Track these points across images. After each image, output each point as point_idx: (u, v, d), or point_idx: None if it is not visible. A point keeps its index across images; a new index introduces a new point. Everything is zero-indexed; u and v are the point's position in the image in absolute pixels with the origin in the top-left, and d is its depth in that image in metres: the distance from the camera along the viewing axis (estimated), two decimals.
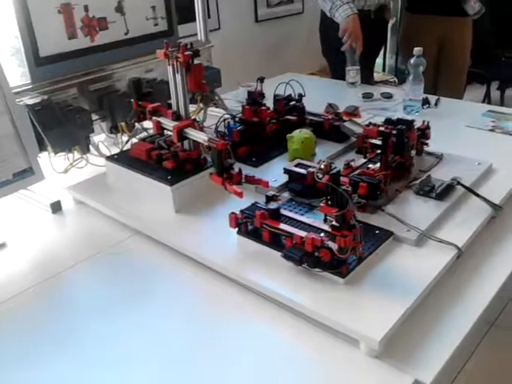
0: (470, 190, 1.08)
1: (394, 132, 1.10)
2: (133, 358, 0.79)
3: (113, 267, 1.00)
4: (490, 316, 0.86)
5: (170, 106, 1.16)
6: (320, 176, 0.83)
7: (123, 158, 1.20)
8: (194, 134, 1.06)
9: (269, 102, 1.40)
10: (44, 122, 1.17)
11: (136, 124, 1.30)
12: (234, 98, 1.84)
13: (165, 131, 1.17)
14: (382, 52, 3.54)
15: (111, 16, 1.43)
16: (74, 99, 1.34)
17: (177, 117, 1.14)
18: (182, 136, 1.08)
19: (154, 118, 1.14)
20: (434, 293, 0.86)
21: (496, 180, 1.17)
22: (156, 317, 0.87)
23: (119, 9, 1.44)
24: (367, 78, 2.18)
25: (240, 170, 0.99)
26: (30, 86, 1.26)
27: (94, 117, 1.37)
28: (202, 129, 1.09)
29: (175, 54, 1.08)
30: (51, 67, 1.31)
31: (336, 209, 0.82)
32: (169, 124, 1.11)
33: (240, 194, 0.95)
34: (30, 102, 1.17)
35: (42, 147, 1.21)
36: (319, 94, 1.74)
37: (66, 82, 1.32)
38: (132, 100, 1.20)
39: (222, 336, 0.82)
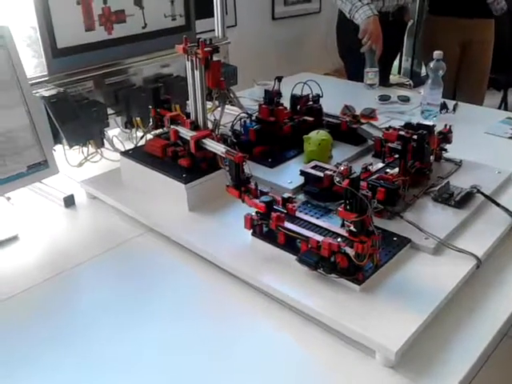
0: (490, 198, 1.06)
1: (415, 137, 1.08)
2: (140, 354, 0.78)
3: (124, 264, 0.99)
4: (506, 327, 0.84)
5: (188, 116, 1.16)
6: (339, 180, 0.81)
7: (138, 154, 1.19)
8: (212, 146, 1.06)
9: (285, 102, 1.38)
10: (60, 114, 1.16)
11: (151, 120, 1.29)
12: (248, 97, 1.83)
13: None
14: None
15: (130, 9, 1.41)
16: (89, 92, 1.33)
17: (195, 127, 1.13)
18: (199, 147, 1.08)
19: (172, 126, 1.13)
20: (452, 303, 0.84)
21: None
22: (165, 315, 0.86)
23: (138, 2, 1.43)
24: (383, 80, 2.16)
25: (256, 185, 0.97)
26: (46, 78, 1.26)
27: (110, 111, 1.36)
28: (219, 140, 1.08)
29: (194, 50, 1.07)
30: (68, 59, 1.30)
31: (355, 214, 0.81)
32: (187, 134, 1.11)
33: (262, 208, 0.93)
34: (46, 93, 1.17)
35: (56, 140, 1.20)
36: (335, 95, 1.72)
37: (82, 74, 1.31)
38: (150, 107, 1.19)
39: (231, 338, 0.81)
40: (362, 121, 1.42)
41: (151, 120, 1.20)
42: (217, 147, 1.04)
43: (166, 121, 1.15)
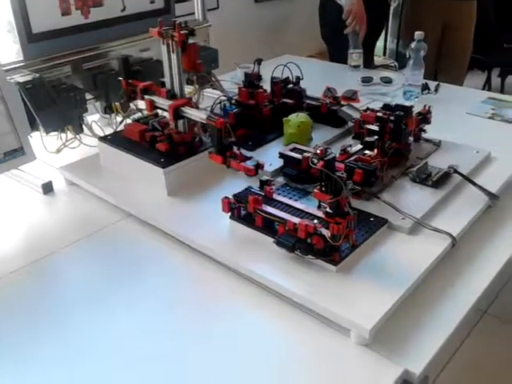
0: (466, 178, 1.06)
1: (392, 118, 1.08)
2: (121, 341, 0.78)
3: (103, 250, 0.99)
4: (482, 305, 0.85)
5: (163, 85, 1.13)
6: (315, 161, 0.81)
7: (116, 139, 1.18)
8: (192, 113, 1.03)
9: (266, 85, 1.38)
10: (35, 100, 1.15)
11: (130, 104, 1.28)
12: (231, 80, 1.81)
13: (159, 112, 1.15)
14: (383, 35, 3.50)
15: None
16: (67, 77, 1.31)
17: (171, 95, 1.11)
18: (178, 115, 1.05)
19: (146, 96, 1.10)
20: (427, 282, 0.85)
21: (494, 169, 1.15)
22: (146, 301, 0.86)
23: None
24: (367, 61, 2.15)
25: (238, 148, 0.96)
26: (21, 64, 1.24)
27: (88, 96, 1.34)
28: (198, 107, 1.06)
29: (170, 33, 1.06)
30: (44, 44, 1.27)
31: (330, 195, 0.81)
32: (164, 103, 1.08)
33: (252, 171, 0.91)
34: (21, 79, 1.15)
35: (33, 126, 1.18)
36: (318, 78, 1.71)
37: (59, 59, 1.29)
38: (121, 79, 1.16)
39: (212, 321, 0.81)
40: (343, 102, 1.41)
41: (122, 92, 1.15)
42: (197, 114, 1.02)
43: (138, 91, 1.11)
